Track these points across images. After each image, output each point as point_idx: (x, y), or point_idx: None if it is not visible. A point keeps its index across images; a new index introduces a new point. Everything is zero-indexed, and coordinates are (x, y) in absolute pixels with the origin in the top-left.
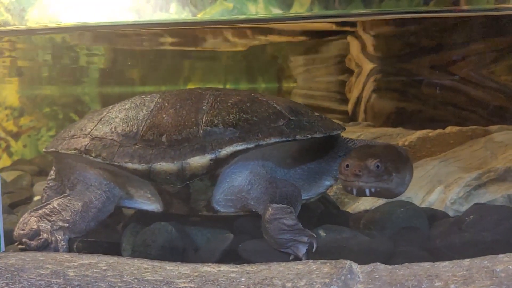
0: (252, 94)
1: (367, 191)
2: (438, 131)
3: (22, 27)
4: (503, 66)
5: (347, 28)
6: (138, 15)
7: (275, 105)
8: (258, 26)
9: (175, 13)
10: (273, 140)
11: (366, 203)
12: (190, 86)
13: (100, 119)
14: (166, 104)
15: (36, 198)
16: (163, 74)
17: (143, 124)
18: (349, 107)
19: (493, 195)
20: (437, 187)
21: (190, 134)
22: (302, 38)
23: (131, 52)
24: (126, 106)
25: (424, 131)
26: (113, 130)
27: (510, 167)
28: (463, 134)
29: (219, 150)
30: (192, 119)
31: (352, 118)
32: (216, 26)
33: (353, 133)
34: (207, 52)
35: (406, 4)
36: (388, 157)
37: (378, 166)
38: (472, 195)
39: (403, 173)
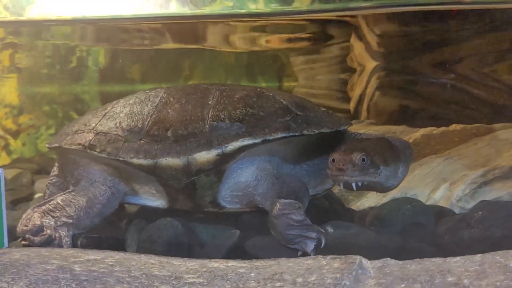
0: (258, 89)
1: (353, 185)
2: (442, 129)
3: (22, 18)
4: (506, 64)
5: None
6: (138, 12)
7: (281, 100)
8: (258, 25)
9: (175, 10)
10: (280, 135)
11: (371, 200)
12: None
13: (105, 114)
14: (172, 99)
15: (37, 195)
16: (163, 72)
17: (148, 119)
18: (351, 106)
19: (499, 192)
20: (442, 184)
21: (196, 129)
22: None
23: (130, 51)
24: (131, 101)
25: (428, 129)
26: (118, 125)
27: None
28: (467, 131)
29: (226, 145)
30: (198, 114)
31: (354, 116)
32: (216, 20)
33: (356, 131)
34: (207, 51)
35: None
36: (376, 150)
37: (364, 160)
38: (477, 192)
39: (393, 166)
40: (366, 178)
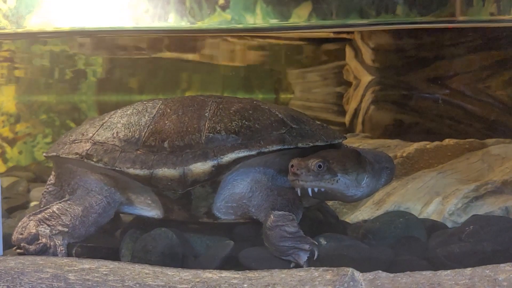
0: (254, 102)
1: (309, 190)
2: (436, 143)
3: (19, 30)
4: (499, 80)
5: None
6: (136, 24)
7: (277, 113)
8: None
9: (173, 23)
10: (275, 147)
11: (364, 214)
12: (188, 94)
13: (102, 124)
14: (169, 110)
15: (33, 203)
16: (160, 82)
17: (145, 130)
18: (347, 119)
19: (491, 207)
20: (435, 198)
21: (192, 140)
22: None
23: (128, 61)
24: (128, 112)
25: (422, 143)
26: (115, 135)
27: (507, 180)
28: (460, 146)
29: (221, 156)
30: (195, 126)
31: (349, 129)
32: (214, 34)
33: (351, 144)
34: (205, 63)
35: (403, 15)
36: (337, 159)
37: (320, 166)
38: (470, 206)
39: (353, 175)
40: (321, 183)
